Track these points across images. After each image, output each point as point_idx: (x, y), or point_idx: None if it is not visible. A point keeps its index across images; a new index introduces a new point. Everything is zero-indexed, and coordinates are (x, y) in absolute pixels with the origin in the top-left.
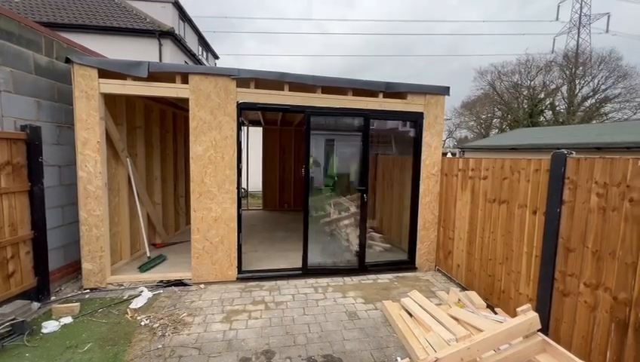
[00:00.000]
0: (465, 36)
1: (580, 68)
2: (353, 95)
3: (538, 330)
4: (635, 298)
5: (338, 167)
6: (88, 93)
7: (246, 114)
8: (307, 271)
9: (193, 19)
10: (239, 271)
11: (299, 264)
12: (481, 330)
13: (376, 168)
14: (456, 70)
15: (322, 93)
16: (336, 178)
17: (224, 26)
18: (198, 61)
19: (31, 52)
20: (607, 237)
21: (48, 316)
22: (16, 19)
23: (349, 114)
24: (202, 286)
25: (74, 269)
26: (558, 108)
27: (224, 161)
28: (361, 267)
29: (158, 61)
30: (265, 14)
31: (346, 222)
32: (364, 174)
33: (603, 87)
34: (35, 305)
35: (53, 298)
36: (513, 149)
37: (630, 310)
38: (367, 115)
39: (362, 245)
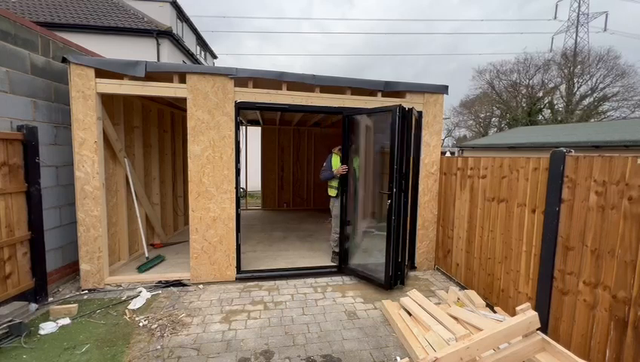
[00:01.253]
0: (465, 36)
1: (579, 66)
2: (352, 94)
3: (537, 329)
4: (634, 296)
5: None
6: (85, 93)
7: (244, 113)
8: (306, 271)
9: (192, 18)
10: (238, 271)
11: (299, 264)
12: (480, 329)
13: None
14: (456, 69)
15: (321, 92)
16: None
17: (224, 26)
18: (196, 61)
19: (27, 52)
20: (606, 236)
21: (46, 317)
22: (12, 18)
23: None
24: (201, 286)
25: (72, 270)
26: (556, 107)
27: (222, 161)
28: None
29: (155, 61)
30: (265, 14)
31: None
32: (393, 176)
33: (601, 85)
34: (33, 306)
35: (50, 299)
36: (512, 148)
37: (629, 308)
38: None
39: (394, 260)
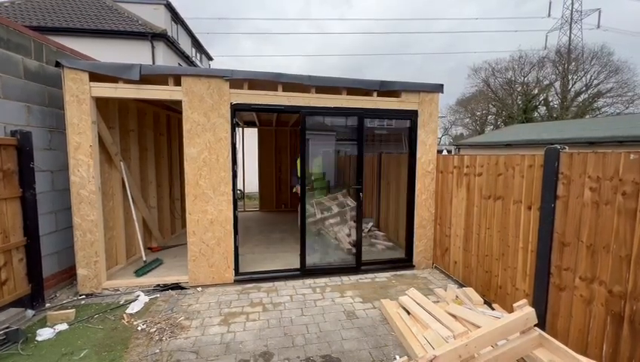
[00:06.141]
0: (463, 34)
1: (573, 63)
2: (348, 94)
3: (535, 325)
4: (629, 291)
5: (332, 166)
6: (79, 97)
7: (241, 115)
8: (305, 272)
9: (189, 21)
10: (236, 273)
11: (296, 265)
12: (478, 327)
13: (377, 167)
14: (454, 68)
15: (317, 93)
16: (324, 176)
17: (221, 28)
18: (191, 63)
19: (20, 56)
20: (601, 231)
21: (43, 323)
22: (5, 23)
23: (344, 113)
24: (199, 289)
25: (69, 275)
26: (551, 104)
27: (219, 163)
28: (358, 265)
29: (150, 63)
30: (263, 15)
31: (337, 219)
32: (360, 172)
33: (595, 82)
34: (30, 312)
35: (47, 305)
36: (508, 145)
37: (625, 303)
38: (362, 114)
39: (359, 243)
